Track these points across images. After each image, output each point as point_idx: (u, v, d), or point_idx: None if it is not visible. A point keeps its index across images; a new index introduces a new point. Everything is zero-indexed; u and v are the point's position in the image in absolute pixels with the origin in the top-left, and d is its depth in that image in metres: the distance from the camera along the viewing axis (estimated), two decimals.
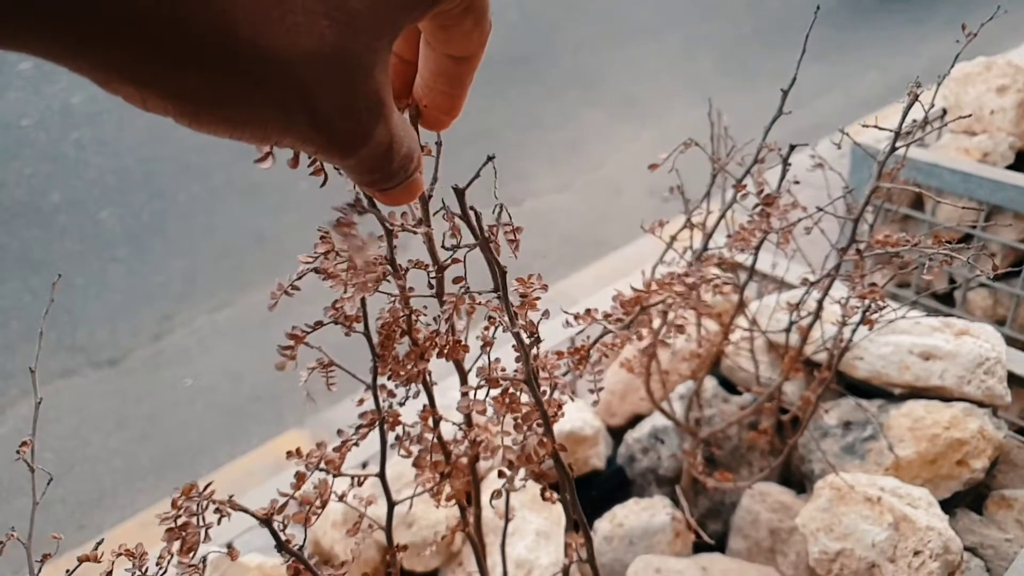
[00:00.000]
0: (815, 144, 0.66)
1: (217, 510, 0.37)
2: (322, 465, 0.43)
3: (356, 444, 0.44)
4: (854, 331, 0.65)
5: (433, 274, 0.43)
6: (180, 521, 0.36)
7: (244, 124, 0.24)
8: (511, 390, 0.46)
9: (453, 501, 0.54)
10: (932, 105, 0.62)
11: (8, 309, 2.32)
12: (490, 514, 0.74)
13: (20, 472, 0.53)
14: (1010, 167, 1.24)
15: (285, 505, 0.40)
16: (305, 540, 0.42)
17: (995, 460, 0.81)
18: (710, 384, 0.95)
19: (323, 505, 0.43)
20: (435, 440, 0.48)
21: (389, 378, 0.44)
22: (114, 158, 3.07)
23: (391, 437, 0.48)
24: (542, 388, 0.47)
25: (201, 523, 0.36)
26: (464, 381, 0.50)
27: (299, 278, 0.40)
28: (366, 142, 0.27)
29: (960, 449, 0.79)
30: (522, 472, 0.49)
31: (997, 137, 1.27)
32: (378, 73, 0.25)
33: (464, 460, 0.50)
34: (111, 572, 0.46)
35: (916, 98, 0.52)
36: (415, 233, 0.40)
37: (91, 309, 2.30)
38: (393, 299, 0.44)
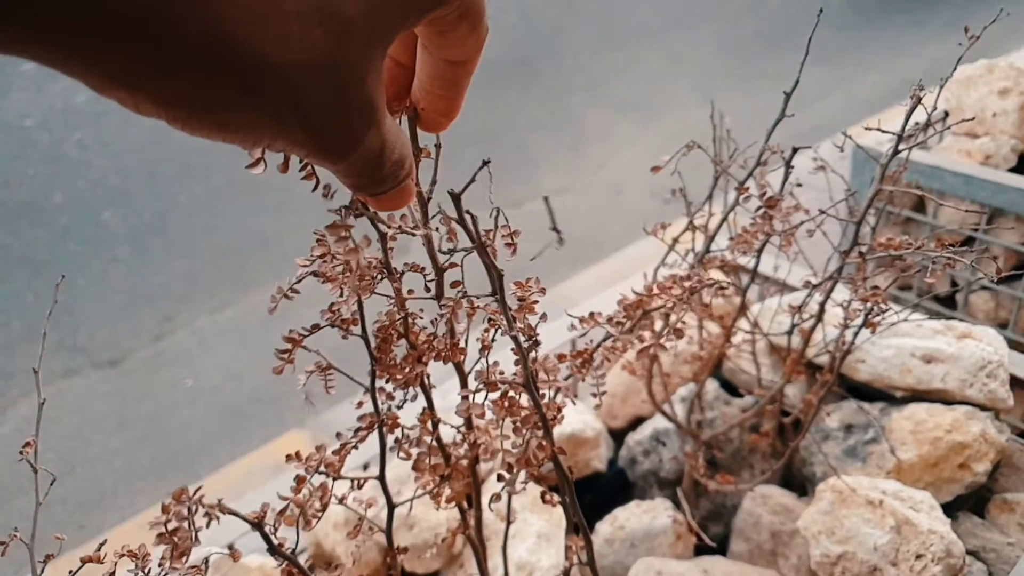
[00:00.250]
0: (816, 146, 0.66)
1: (207, 514, 0.36)
2: (322, 468, 0.43)
3: (355, 447, 0.43)
4: (856, 334, 0.64)
5: (430, 277, 0.43)
6: (171, 526, 0.36)
7: (236, 129, 0.24)
8: (510, 393, 0.46)
9: (453, 503, 0.53)
10: (935, 107, 0.61)
11: (10, 309, 2.32)
12: (491, 516, 0.73)
13: (21, 472, 0.53)
14: (1012, 170, 1.24)
15: (285, 509, 0.40)
16: (298, 543, 0.42)
17: (997, 464, 0.81)
18: (712, 386, 0.95)
19: (323, 508, 0.43)
20: (434, 443, 0.48)
21: (387, 381, 0.44)
22: (116, 159, 3.08)
23: (390, 440, 0.48)
24: (542, 391, 0.47)
25: (192, 527, 0.36)
26: (464, 384, 0.49)
27: (298, 281, 0.39)
28: (357, 147, 0.27)
29: (962, 452, 0.79)
30: (522, 475, 0.48)
31: (999, 140, 1.27)
32: (371, 80, 0.26)
33: (464, 462, 0.50)
34: (114, 573, 0.46)
35: (919, 100, 0.52)
36: (413, 235, 0.40)
37: (92, 309, 2.30)
38: (392, 303, 0.44)
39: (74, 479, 1.73)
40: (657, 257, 0.74)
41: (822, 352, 0.84)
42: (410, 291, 0.44)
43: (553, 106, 3.41)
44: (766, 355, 0.95)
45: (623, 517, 0.84)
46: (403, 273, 0.42)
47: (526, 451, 0.47)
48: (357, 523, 0.50)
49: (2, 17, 0.19)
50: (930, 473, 0.80)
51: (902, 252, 0.53)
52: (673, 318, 0.68)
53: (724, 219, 0.64)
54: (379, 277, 0.40)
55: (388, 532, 0.49)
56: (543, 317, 0.44)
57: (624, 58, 3.85)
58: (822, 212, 0.59)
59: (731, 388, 0.98)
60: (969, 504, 0.82)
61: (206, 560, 0.45)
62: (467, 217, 0.38)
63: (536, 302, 0.44)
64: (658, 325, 0.75)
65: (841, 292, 0.82)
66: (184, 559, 0.35)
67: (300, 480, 0.42)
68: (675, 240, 0.68)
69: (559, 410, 0.49)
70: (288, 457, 0.43)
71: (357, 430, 0.44)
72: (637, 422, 0.99)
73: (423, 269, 0.42)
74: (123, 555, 0.47)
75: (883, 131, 0.54)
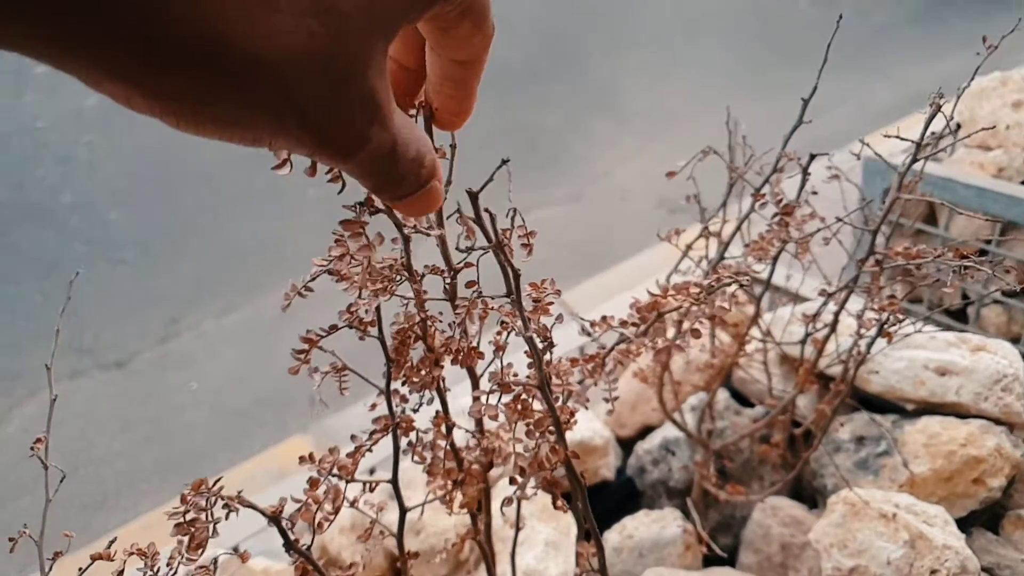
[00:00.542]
0: (831, 155, 0.66)
1: (226, 506, 0.36)
2: (334, 471, 0.43)
3: (370, 450, 0.43)
4: (871, 343, 0.64)
5: (448, 279, 0.43)
6: (189, 516, 0.35)
7: (231, 125, 0.24)
8: (523, 396, 0.46)
9: (464, 509, 0.53)
10: (952, 117, 0.61)
11: (18, 310, 2.33)
12: (499, 523, 0.73)
13: (26, 472, 0.53)
14: None
15: (300, 508, 0.40)
16: (312, 541, 0.41)
17: (1012, 479, 0.80)
18: (722, 396, 0.95)
19: (335, 511, 0.42)
20: (448, 447, 0.48)
21: (403, 384, 0.43)
22: (125, 162, 3.09)
23: (402, 443, 0.48)
24: (555, 395, 0.46)
25: (210, 519, 0.36)
26: (476, 386, 0.49)
27: (312, 279, 0.39)
28: (363, 144, 0.26)
29: (977, 467, 0.78)
30: (533, 480, 0.48)
31: (1012, 152, 1.26)
32: (372, 74, 0.25)
33: (477, 467, 0.49)
34: (123, 572, 0.45)
35: (939, 108, 0.51)
36: (427, 236, 0.40)
37: (99, 311, 2.30)
38: (406, 303, 0.44)
39: (78, 480, 1.72)
40: (664, 267, 0.73)
41: (834, 362, 0.84)
42: (424, 291, 0.43)
43: (561, 114, 3.42)
44: (777, 365, 0.94)
45: (632, 526, 0.83)
46: (423, 275, 0.41)
47: (538, 454, 0.46)
48: (368, 527, 0.49)
49: (5, 13, 0.19)
50: (944, 487, 0.79)
51: (921, 261, 0.52)
52: (686, 325, 0.68)
53: (739, 226, 0.64)
54: (399, 278, 0.39)
55: (399, 537, 0.48)
56: (559, 318, 0.43)
57: (633, 68, 3.86)
58: (839, 220, 0.59)
59: (740, 398, 0.97)
60: (983, 520, 0.81)
61: (215, 560, 0.45)
62: (485, 216, 0.38)
63: (551, 303, 0.43)
64: (670, 333, 0.74)
65: (854, 302, 0.81)
66: (200, 551, 0.35)
67: (313, 482, 0.41)
68: (688, 247, 0.68)
69: (572, 414, 0.49)
70: (301, 459, 0.42)
71: (372, 432, 0.43)
72: (646, 431, 0.99)
73: (444, 271, 0.42)
74: (132, 553, 0.47)
75: (902, 139, 0.53)
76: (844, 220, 0.59)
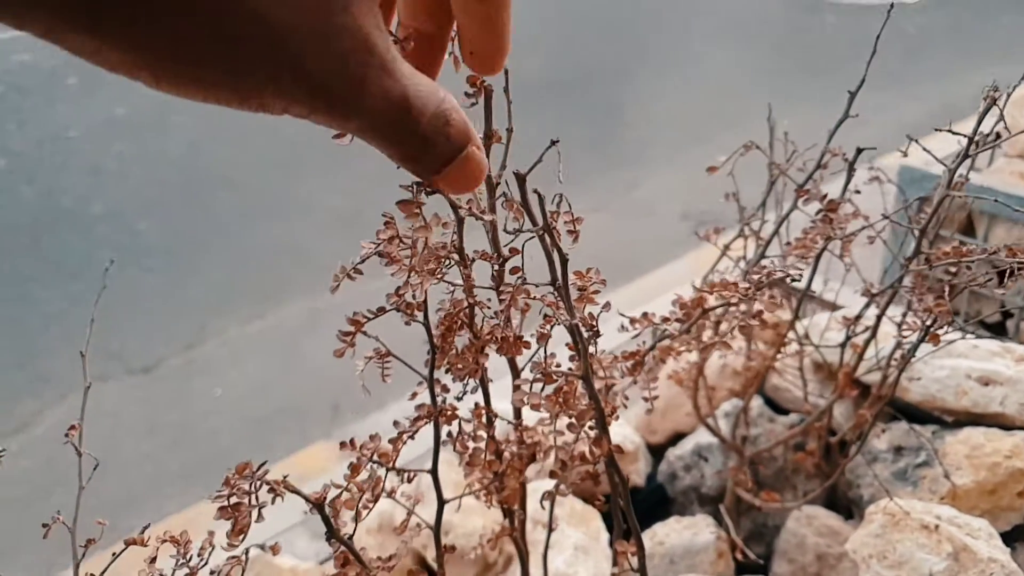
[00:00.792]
0: (873, 158, 0.65)
1: (271, 490, 0.36)
2: (375, 458, 0.42)
3: (412, 437, 0.42)
4: (915, 347, 0.62)
5: (496, 266, 0.42)
6: (232, 500, 0.35)
7: (218, 84, 0.23)
8: (565, 388, 0.45)
9: (497, 504, 0.52)
10: (1000, 120, 0.60)
11: (49, 315, 2.36)
12: (530, 525, 0.72)
13: (56, 468, 0.53)
14: None
15: (340, 495, 0.39)
16: (356, 530, 0.41)
17: None
18: (755, 403, 0.93)
19: (375, 500, 0.42)
20: (489, 438, 0.47)
21: (447, 371, 0.43)
22: (154, 170, 3.14)
23: (442, 433, 0.47)
24: (597, 387, 0.46)
25: (254, 503, 0.35)
26: (517, 376, 0.48)
27: (362, 261, 0.39)
28: (362, 89, 0.24)
29: (1022, 480, 0.76)
30: (574, 474, 0.47)
31: None
32: (358, 11, 0.24)
33: (519, 460, 0.48)
34: (155, 559, 0.45)
35: (994, 101, 0.50)
36: (479, 219, 0.39)
37: (127, 318, 2.33)
38: (452, 290, 0.43)
39: (104, 482, 1.73)
40: (687, 281, 0.72)
41: (873, 369, 0.82)
42: (469, 276, 0.43)
43: (587, 127, 3.42)
44: (811, 372, 0.93)
45: (663, 532, 0.82)
46: (474, 260, 0.41)
47: (576, 443, 0.45)
48: (404, 519, 0.48)
49: None
50: (987, 500, 0.77)
51: (971, 259, 0.51)
52: (724, 326, 0.67)
53: (779, 225, 0.63)
54: (449, 263, 0.39)
55: (436, 530, 0.48)
56: (606, 306, 0.43)
57: (660, 82, 3.86)
58: (885, 217, 0.58)
59: (774, 405, 0.96)
60: None
61: (246, 552, 0.44)
62: (533, 197, 0.38)
63: (597, 291, 0.43)
64: (706, 335, 0.73)
65: (893, 311, 0.80)
66: (242, 536, 0.34)
67: (355, 468, 0.41)
68: (726, 246, 0.67)
69: (614, 409, 0.48)
70: (342, 445, 0.42)
71: (416, 419, 0.43)
72: (677, 438, 0.97)
73: (494, 257, 0.41)
74: (165, 541, 0.47)
75: (954, 133, 0.52)
76: (890, 218, 0.58)
